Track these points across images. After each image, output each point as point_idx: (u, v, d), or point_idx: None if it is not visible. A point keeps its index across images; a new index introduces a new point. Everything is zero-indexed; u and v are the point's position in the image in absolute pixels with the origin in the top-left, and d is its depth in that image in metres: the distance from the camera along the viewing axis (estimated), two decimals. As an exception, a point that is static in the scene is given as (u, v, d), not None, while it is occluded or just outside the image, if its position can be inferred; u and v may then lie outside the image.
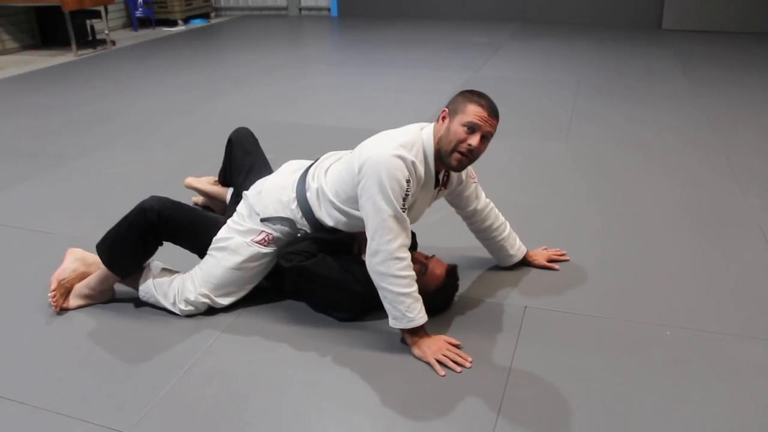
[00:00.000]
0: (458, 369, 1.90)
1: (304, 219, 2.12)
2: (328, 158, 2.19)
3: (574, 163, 3.45)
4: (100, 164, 3.70)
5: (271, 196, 2.18)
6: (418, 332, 1.96)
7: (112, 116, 4.69)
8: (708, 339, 2.02)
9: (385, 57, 6.20)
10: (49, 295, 2.26)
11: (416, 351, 1.96)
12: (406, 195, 1.91)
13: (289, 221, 2.14)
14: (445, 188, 2.17)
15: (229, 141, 2.68)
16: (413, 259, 2.09)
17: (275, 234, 2.15)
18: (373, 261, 1.92)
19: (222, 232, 2.20)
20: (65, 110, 4.96)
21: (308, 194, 2.11)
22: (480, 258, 2.48)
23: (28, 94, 5.55)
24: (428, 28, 7.73)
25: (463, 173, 2.18)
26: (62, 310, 2.28)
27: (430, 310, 2.11)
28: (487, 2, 8.32)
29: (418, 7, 8.64)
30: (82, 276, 2.31)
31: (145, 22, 8.95)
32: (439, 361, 1.92)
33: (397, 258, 1.90)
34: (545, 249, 2.51)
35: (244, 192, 2.28)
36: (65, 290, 2.30)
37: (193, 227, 2.21)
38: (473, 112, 1.93)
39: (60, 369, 1.99)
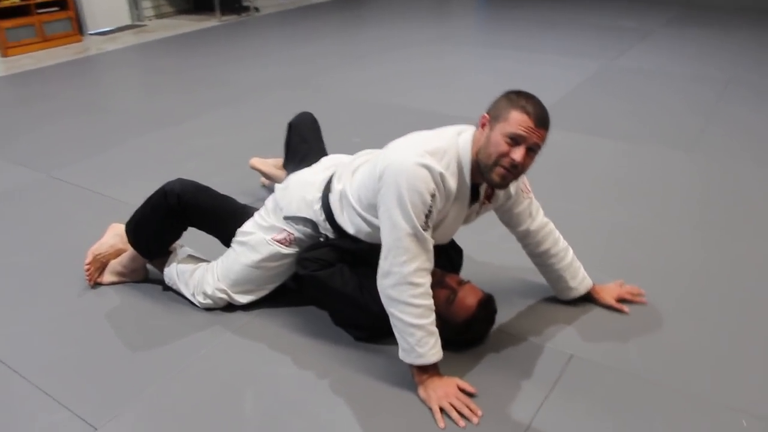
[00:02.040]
0: (461, 423, 1.61)
1: (326, 222, 1.91)
2: (360, 157, 1.95)
3: (692, 179, 2.94)
4: (190, 133, 3.70)
5: (297, 192, 1.98)
6: (427, 370, 1.70)
7: (222, 83, 4.72)
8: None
9: (517, 40, 5.77)
10: (84, 267, 2.24)
11: (421, 392, 1.70)
12: (429, 211, 1.63)
13: (311, 223, 1.94)
14: (489, 203, 1.85)
15: (289, 126, 2.51)
16: (443, 284, 1.83)
17: (297, 234, 1.96)
18: (385, 283, 1.68)
19: (246, 225, 2.04)
20: (182, 74, 5.08)
21: (331, 196, 1.89)
22: (537, 285, 2.14)
23: (157, 58, 5.76)
24: (575, 8, 7.13)
25: (512, 187, 1.86)
26: (96, 284, 2.25)
27: (456, 344, 1.84)
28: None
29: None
30: (119, 253, 2.26)
31: (292, -11, 9.04)
32: (443, 409, 1.64)
33: (411, 283, 1.64)
34: (620, 284, 2.12)
35: (276, 184, 2.11)
36: (101, 265, 2.27)
37: (216, 215, 2.07)
38: (517, 120, 1.61)
39: (68, 347, 1.96)
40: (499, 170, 1.65)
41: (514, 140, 1.61)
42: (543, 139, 1.64)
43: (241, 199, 2.19)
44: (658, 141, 3.38)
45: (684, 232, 2.49)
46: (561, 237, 2.00)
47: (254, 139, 3.55)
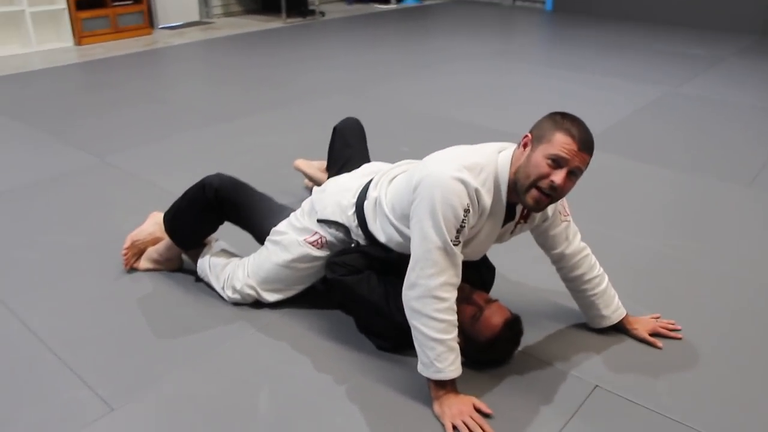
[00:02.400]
0: (473, 443, 1.58)
1: (359, 228, 1.90)
2: (400, 167, 1.94)
3: (748, 215, 2.82)
4: (243, 130, 3.77)
5: (333, 197, 1.99)
6: (445, 386, 1.67)
7: (280, 84, 4.78)
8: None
9: (579, 60, 5.67)
10: (122, 252, 2.30)
11: (436, 408, 1.67)
12: (461, 227, 1.61)
13: (344, 228, 1.93)
14: (525, 223, 1.82)
15: (334, 130, 2.53)
16: (470, 300, 1.80)
17: (329, 238, 1.96)
18: (409, 294, 1.66)
19: (281, 225, 2.05)
20: (243, 72, 5.18)
21: (366, 203, 1.88)
22: (569, 310, 2.08)
23: (220, 54, 5.89)
24: (643, 33, 6.96)
25: (550, 209, 1.82)
26: (132, 270, 2.30)
27: (478, 363, 1.81)
28: (722, 9, 7.25)
29: (639, 8, 7.82)
30: (156, 241, 2.31)
31: (360, -3, 9.15)
32: (456, 427, 1.61)
33: (437, 297, 1.62)
34: (656, 318, 2.04)
35: (315, 187, 2.11)
36: (138, 251, 2.32)
37: (252, 212, 2.09)
38: (561, 143, 1.57)
39: (98, 327, 2.01)
40: (535, 193, 1.61)
41: (556, 162, 1.57)
42: (586, 163, 1.60)
43: (283, 199, 2.21)
44: (715, 172, 3.26)
45: (732, 270, 2.39)
46: (597, 264, 1.95)
47: (305, 141, 3.58)
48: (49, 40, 6.12)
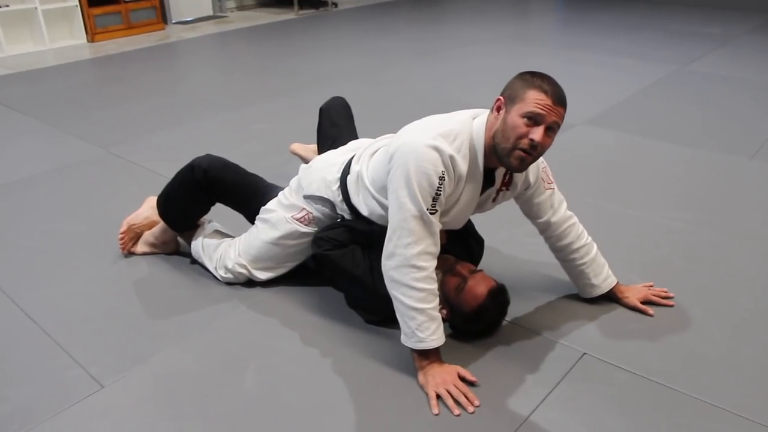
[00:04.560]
0: (456, 411, 1.58)
1: (343, 203, 1.91)
2: (381, 140, 1.94)
3: (750, 186, 2.77)
4: (249, 118, 3.79)
5: (318, 172, 1.99)
6: (428, 356, 1.67)
7: (289, 72, 4.80)
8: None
9: (591, 42, 5.60)
10: (119, 236, 2.33)
11: (420, 377, 1.67)
12: (437, 194, 1.61)
13: (329, 203, 1.94)
14: (507, 190, 1.80)
15: (320, 111, 2.53)
16: (454, 271, 1.80)
17: (315, 214, 1.97)
18: (388, 264, 1.66)
19: (270, 203, 2.07)
20: (253, 62, 5.22)
21: (349, 177, 1.89)
22: (561, 282, 2.06)
23: (232, 46, 5.94)
24: (657, 13, 6.85)
25: (532, 176, 1.80)
26: (129, 254, 2.34)
27: (466, 335, 1.81)
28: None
29: (655, -12, 7.70)
30: (152, 225, 2.34)
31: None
32: (440, 396, 1.61)
33: (415, 266, 1.62)
34: (648, 286, 2.02)
35: (301, 164, 2.12)
36: (135, 235, 2.35)
37: (241, 191, 2.11)
38: (534, 99, 1.56)
39: (92, 309, 2.04)
40: (518, 153, 1.60)
41: (533, 119, 1.56)
42: (561, 117, 1.59)
43: (283, 183, 2.22)
44: (720, 146, 3.20)
45: (729, 239, 2.35)
46: (585, 232, 1.93)
47: (308, 127, 3.55)
48: (63, 38, 6.21)
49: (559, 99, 1.57)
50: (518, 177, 1.79)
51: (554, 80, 1.59)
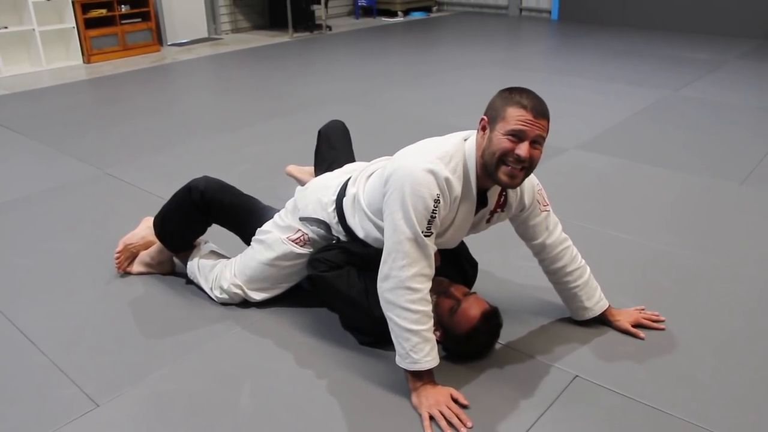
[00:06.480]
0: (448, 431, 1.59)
1: (339, 225, 1.93)
2: (377, 163, 1.97)
3: (740, 212, 2.80)
4: (243, 140, 3.82)
5: (314, 194, 2.02)
6: (422, 377, 1.69)
7: (283, 95, 4.85)
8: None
9: (583, 67, 5.68)
10: (114, 256, 2.34)
11: (413, 398, 1.69)
12: (432, 217, 1.63)
13: (324, 224, 1.96)
14: (502, 211, 1.83)
15: (319, 134, 2.56)
16: (448, 294, 1.82)
17: (311, 235, 1.99)
18: (383, 286, 1.68)
19: (266, 225, 2.09)
20: (247, 84, 5.26)
21: (345, 200, 1.91)
22: (553, 305, 2.09)
23: (227, 68, 5.98)
24: (648, 39, 6.96)
25: (528, 198, 1.83)
26: (125, 273, 2.35)
27: (459, 356, 1.83)
28: (726, 14, 7.24)
29: (642, 16, 7.81)
30: (149, 245, 2.35)
31: (367, 12, 9.25)
32: (433, 417, 1.62)
33: (409, 288, 1.64)
34: (640, 310, 2.04)
35: (297, 186, 2.15)
36: (131, 254, 2.36)
37: (237, 213, 2.13)
38: (515, 116, 1.59)
39: (88, 329, 2.05)
40: (505, 169, 1.63)
41: (516, 136, 1.59)
42: (545, 129, 1.62)
43: (278, 205, 2.24)
44: (710, 171, 3.25)
45: (720, 264, 2.38)
46: (579, 255, 1.95)
47: (303, 149, 3.61)
48: (59, 59, 6.26)
49: (539, 112, 1.60)
50: (513, 198, 1.82)
51: (533, 93, 1.62)
